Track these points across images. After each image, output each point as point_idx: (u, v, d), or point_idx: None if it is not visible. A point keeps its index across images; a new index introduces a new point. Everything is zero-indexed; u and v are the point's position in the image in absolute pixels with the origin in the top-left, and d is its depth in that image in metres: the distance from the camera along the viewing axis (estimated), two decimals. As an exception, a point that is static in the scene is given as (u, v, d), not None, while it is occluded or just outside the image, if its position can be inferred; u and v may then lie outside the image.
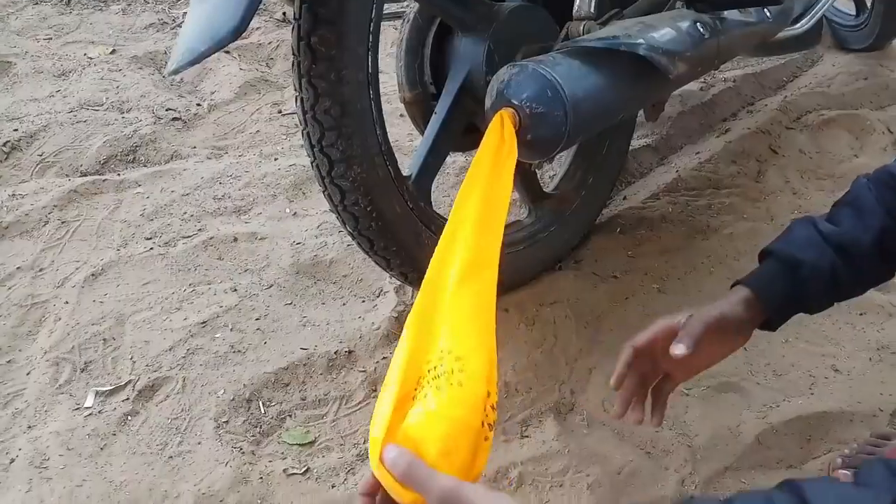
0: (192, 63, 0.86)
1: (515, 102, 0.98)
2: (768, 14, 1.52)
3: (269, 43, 2.59)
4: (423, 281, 0.79)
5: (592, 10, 1.21)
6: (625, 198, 1.75)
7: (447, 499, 0.61)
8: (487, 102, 1.03)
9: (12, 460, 1.16)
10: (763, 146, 1.92)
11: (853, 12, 2.40)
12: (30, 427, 1.22)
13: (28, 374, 1.32)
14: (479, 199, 0.84)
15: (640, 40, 1.08)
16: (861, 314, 1.40)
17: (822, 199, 1.70)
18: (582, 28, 1.19)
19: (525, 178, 1.46)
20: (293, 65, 1.06)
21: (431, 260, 0.80)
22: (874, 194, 0.90)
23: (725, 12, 1.37)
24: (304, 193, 1.79)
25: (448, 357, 0.72)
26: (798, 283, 0.89)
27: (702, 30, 1.24)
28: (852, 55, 2.41)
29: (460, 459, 0.67)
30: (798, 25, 1.74)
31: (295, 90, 1.07)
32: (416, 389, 0.71)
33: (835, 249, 0.89)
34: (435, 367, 0.72)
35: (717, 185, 1.78)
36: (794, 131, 1.98)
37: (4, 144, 1.96)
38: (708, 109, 2.11)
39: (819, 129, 1.97)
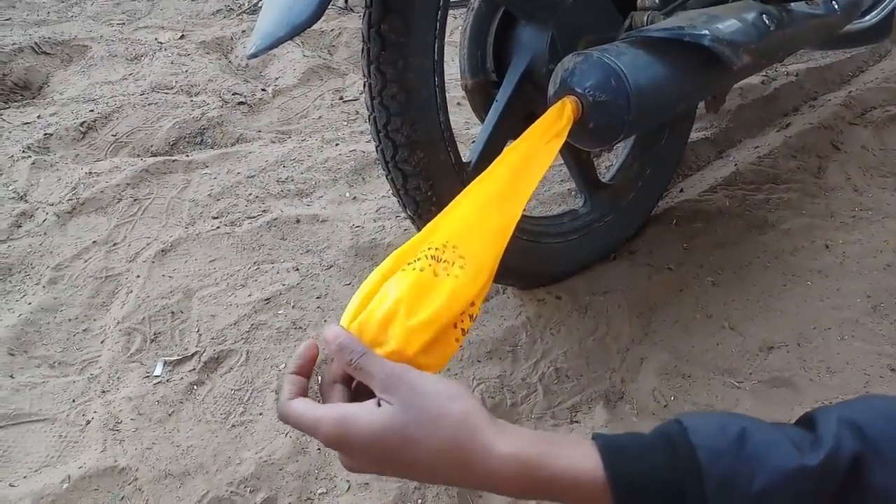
0: (271, 47, 0.90)
1: (579, 90, 0.99)
2: (836, 6, 1.49)
3: (332, 30, 2.64)
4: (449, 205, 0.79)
5: (657, 0, 1.21)
6: (681, 190, 1.75)
7: (391, 380, 0.57)
8: (551, 90, 1.05)
9: (88, 422, 1.23)
10: (825, 142, 1.88)
11: (926, 6, 2.33)
12: (104, 392, 1.29)
13: (102, 342, 1.40)
14: (523, 153, 0.85)
15: (705, 31, 1.08)
16: (922, 314, 1.38)
17: (885, 197, 1.67)
18: (646, 18, 1.20)
19: (582, 168, 1.47)
20: (362, 51, 1.09)
21: (463, 191, 0.80)
22: None
23: (792, 4, 1.36)
24: (363, 178, 1.84)
25: (451, 250, 0.70)
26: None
27: (767, 21, 1.23)
28: (923, 50, 2.34)
29: (423, 344, 0.64)
30: (867, 18, 1.71)
31: (363, 76, 1.10)
32: (408, 262, 0.69)
33: None
34: (436, 249, 0.70)
35: (776, 180, 1.76)
36: (857, 127, 1.94)
37: (81, 125, 2.06)
38: (769, 103, 2.08)
39: (884, 125, 1.93)
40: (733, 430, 0.52)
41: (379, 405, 0.57)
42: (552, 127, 0.92)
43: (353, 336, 0.62)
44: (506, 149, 0.88)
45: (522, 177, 0.84)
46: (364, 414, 0.56)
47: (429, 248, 0.70)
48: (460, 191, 1.16)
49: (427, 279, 0.67)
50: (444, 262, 0.70)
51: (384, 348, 0.63)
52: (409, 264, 0.69)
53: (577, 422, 1.21)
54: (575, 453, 0.54)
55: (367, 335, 0.64)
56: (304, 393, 0.62)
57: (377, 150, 1.16)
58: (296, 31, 0.90)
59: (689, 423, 0.53)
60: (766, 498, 0.49)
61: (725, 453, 0.50)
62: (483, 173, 0.82)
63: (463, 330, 0.67)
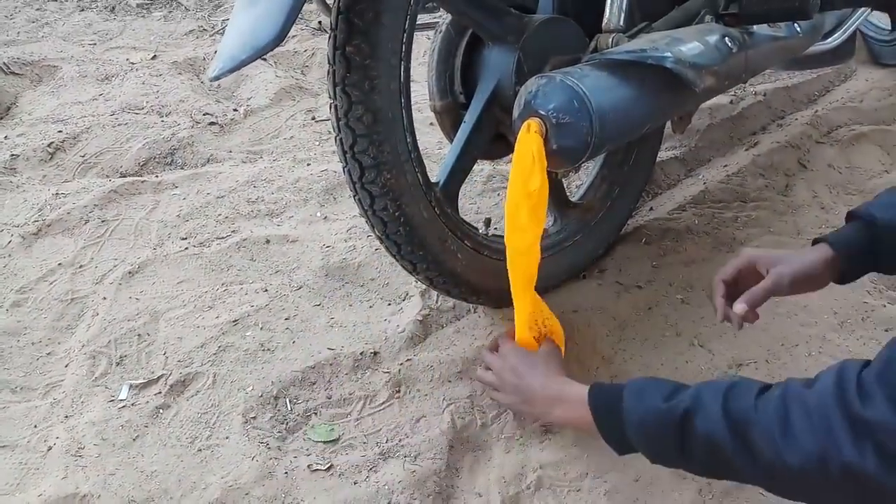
0: (233, 70, 0.90)
1: (542, 113, 1.00)
2: (798, 29, 1.53)
3: (305, 51, 2.65)
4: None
5: (621, 23, 1.23)
6: (651, 209, 1.76)
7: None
8: (515, 112, 1.06)
9: (50, 448, 1.21)
10: (792, 160, 1.91)
11: (888, 27, 2.38)
12: (67, 417, 1.26)
13: (66, 366, 1.37)
14: (528, 220, 1.08)
15: (668, 53, 1.10)
16: (886, 330, 1.39)
17: (851, 214, 1.70)
18: (611, 40, 1.21)
19: (551, 187, 1.47)
20: (328, 73, 1.09)
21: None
22: None
23: (755, 27, 1.38)
24: (334, 198, 1.83)
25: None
26: (872, 239, 1.01)
27: (730, 44, 1.25)
28: (887, 70, 2.39)
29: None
30: (830, 40, 1.75)
31: (329, 98, 1.11)
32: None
33: None
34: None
35: (744, 198, 1.78)
36: (823, 146, 1.97)
37: (49, 145, 2.04)
38: (737, 122, 2.11)
39: (850, 144, 1.96)
40: (641, 383, 0.98)
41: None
42: (531, 164, 0.95)
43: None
44: (509, 215, 1.07)
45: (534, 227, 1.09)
46: (526, 353, 1.20)
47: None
48: (427, 210, 1.19)
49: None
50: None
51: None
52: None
53: (547, 440, 1.21)
54: (580, 389, 1.07)
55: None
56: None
57: (344, 171, 1.16)
58: (258, 53, 0.91)
59: (631, 382, 1.00)
60: (645, 417, 0.94)
61: (633, 394, 0.97)
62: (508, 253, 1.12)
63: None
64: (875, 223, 1.01)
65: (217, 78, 0.91)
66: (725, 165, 1.92)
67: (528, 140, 0.97)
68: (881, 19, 2.40)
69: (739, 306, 1.03)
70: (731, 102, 2.20)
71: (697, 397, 0.88)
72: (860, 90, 2.28)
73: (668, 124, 1.55)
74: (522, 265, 1.13)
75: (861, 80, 2.36)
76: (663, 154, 1.94)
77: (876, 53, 2.43)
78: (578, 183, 1.78)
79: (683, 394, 0.90)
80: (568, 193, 1.56)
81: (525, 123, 0.98)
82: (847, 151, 1.95)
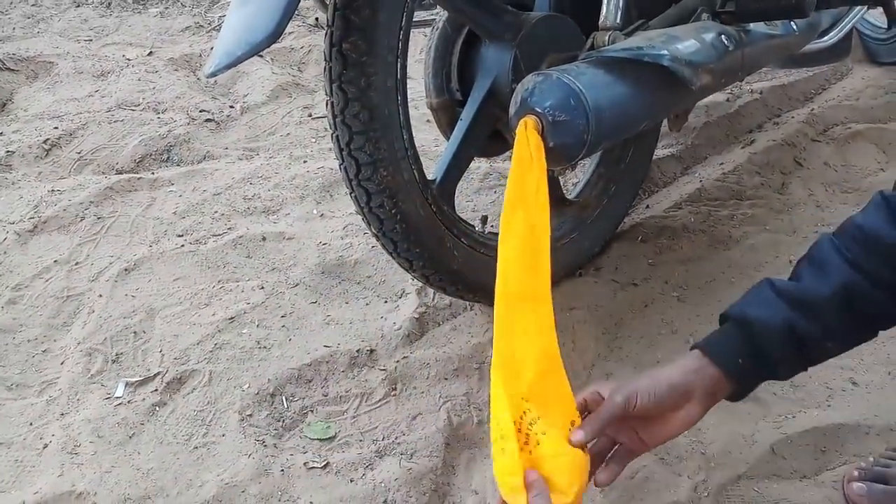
0: (229, 66, 0.90)
1: (539, 110, 1.00)
2: (795, 27, 1.53)
3: (302, 47, 2.64)
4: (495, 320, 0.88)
5: (618, 20, 1.22)
6: (647, 206, 1.77)
7: None
8: (512, 110, 1.06)
9: (45, 445, 1.21)
10: (788, 158, 1.92)
11: (885, 25, 2.38)
12: (63, 414, 1.26)
13: (62, 363, 1.37)
14: (523, 226, 0.91)
15: (664, 51, 1.10)
16: (882, 328, 1.40)
17: (846, 211, 1.69)
18: (607, 38, 1.21)
19: (548, 185, 1.48)
20: (324, 70, 1.09)
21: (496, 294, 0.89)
22: (837, 247, 0.87)
23: (751, 25, 1.38)
24: (331, 195, 1.83)
25: (530, 408, 0.85)
26: (751, 342, 0.86)
27: (726, 42, 1.25)
28: (883, 69, 2.39)
29: (580, 483, 0.83)
30: (826, 38, 1.75)
31: (325, 94, 1.10)
32: (522, 440, 0.83)
33: (790, 305, 0.85)
34: (525, 414, 0.84)
35: (741, 196, 1.79)
36: (820, 144, 1.98)
37: (45, 142, 2.03)
38: (734, 120, 2.11)
39: (846, 142, 1.96)
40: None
41: None
42: (529, 166, 0.93)
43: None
44: (505, 226, 0.91)
45: (536, 261, 0.90)
46: None
47: (520, 417, 0.84)
48: (424, 208, 1.17)
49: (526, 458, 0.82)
50: (536, 421, 0.84)
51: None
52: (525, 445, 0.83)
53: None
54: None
55: None
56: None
57: (340, 168, 1.16)
58: (254, 50, 0.91)
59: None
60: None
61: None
62: (504, 276, 0.89)
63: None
64: (750, 325, 0.86)
65: (213, 74, 0.91)
66: (722, 163, 1.93)
67: (526, 139, 0.96)
68: (878, 17, 2.40)
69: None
70: (728, 100, 2.20)
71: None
72: (856, 88, 2.28)
73: (665, 122, 1.55)
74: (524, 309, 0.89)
75: (857, 78, 2.36)
76: (660, 151, 1.94)
77: (872, 52, 2.43)
78: (575, 181, 1.78)
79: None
80: (564, 191, 1.56)
81: (521, 121, 0.98)
82: (843, 149, 1.95)
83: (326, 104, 1.12)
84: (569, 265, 1.51)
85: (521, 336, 0.87)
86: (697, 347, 0.89)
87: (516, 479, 0.80)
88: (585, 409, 0.91)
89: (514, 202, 0.92)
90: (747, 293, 0.91)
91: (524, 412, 0.84)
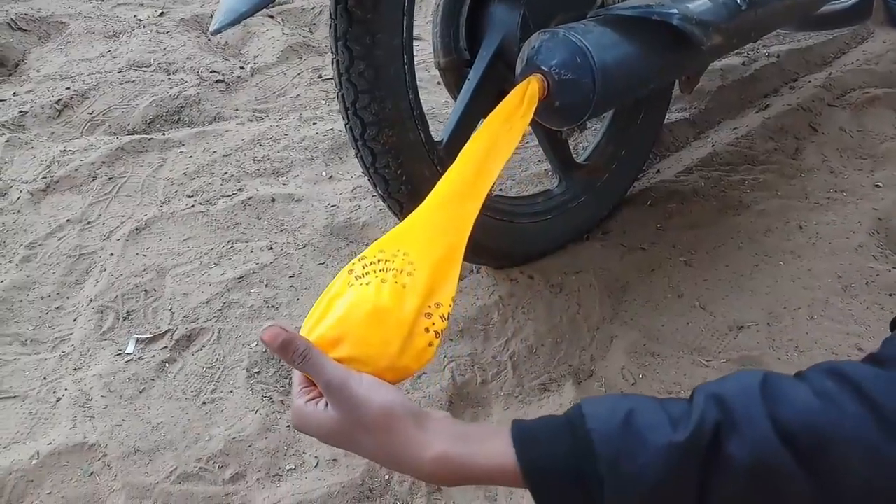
0: (234, 23, 0.89)
1: (545, 69, 0.99)
2: (812, -13, 1.49)
3: (313, 8, 2.62)
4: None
5: (629, -22, 1.20)
6: (658, 171, 1.75)
7: (330, 388, 0.60)
8: (518, 68, 1.05)
9: (59, 399, 1.23)
10: (803, 123, 1.89)
11: (908, -13, 2.33)
12: (75, 369, 1.29)
13: (74, 320, 1.39)
14: (486, 144, 0.86)
15: (674, 10, 1.08)
16: (890, 295, 1.39)
17: (861, 178, 1.68)
18: (617, -3, 1.19)
19: (556, 148, 1.47)
20: (329, 27, 1.08)
21: (432, 190, 0.82)
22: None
23: (766, -16, 1.35)
24: (340, 158, 1.83)
25: (401, 257, 0.72)
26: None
27: (739, 1, 1.22)
28: (905, 32, 2.34)
29: (379, 350, 0.65)
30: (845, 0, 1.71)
31: (331, 52, 1.10)
32: (360, 275, 0.70)
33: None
34: (386, 261, 0.71)
35: (753, 161, 1.77)
36: (836, 109, 1.94)
37: (57, 102, 2.04)
38: (749, 84, 2.08)
39: (863, 107, 1.93)
40: (621, 413, 0.56)
41: (326, 405, 0.62)
42: (515, 111, 0.91)
43: (295, 334, 0.62)
44: (470, 140, 0.87)
45: (485, 170, 0.85)
46: (315, 414, 0.62)
47: (378, 260, 0.71)
48: (430, 169, 1.15)
49: (374, 291, 0.68)
50: (394, 270, 0.70)
51: (337, 352, 0.64)
52: (357, 278, 0.69)
53: (545, 398, 1.22)
54: (492, 449, 0.58)
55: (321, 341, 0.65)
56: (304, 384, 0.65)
57: (346, 128, 1.15)
58: (259, 5, 0.90)
59: (587, 409, 0.58)
60: (647, 472, 0.54)
61: (614, 435, 0.56)
62: (447, 172, 0.83)
63: (436, 332, 0.68)
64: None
65: (218, 31, 0.91)
66: (735, 128, 1.90)
67: (524, 91, 0.93)
68: (901, -21, 2.34)
69: None
70: (744, 64, 2.16)
71: (724, 408, 0.54)
72: (876, 52, 2.23)
73: (677, 84, 1.52)
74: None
75: (878, 41, 2.31)
76: (672, 115, 1.92)
77: (894, 14, 2.37)
78: (585, 144, 1.77)
79: (691, 409, 0.55)
80: (574, 154, 1.55)
81: (525, 80, 0.97)
82: (860, 115, 1.92)
83: (332, 63, 1.11)
84: (577, 229, 1.51)
85: (433, 231, 0.77)
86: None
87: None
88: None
89: (486, 126, 0.88)
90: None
91: (389, 258, 0.72)
